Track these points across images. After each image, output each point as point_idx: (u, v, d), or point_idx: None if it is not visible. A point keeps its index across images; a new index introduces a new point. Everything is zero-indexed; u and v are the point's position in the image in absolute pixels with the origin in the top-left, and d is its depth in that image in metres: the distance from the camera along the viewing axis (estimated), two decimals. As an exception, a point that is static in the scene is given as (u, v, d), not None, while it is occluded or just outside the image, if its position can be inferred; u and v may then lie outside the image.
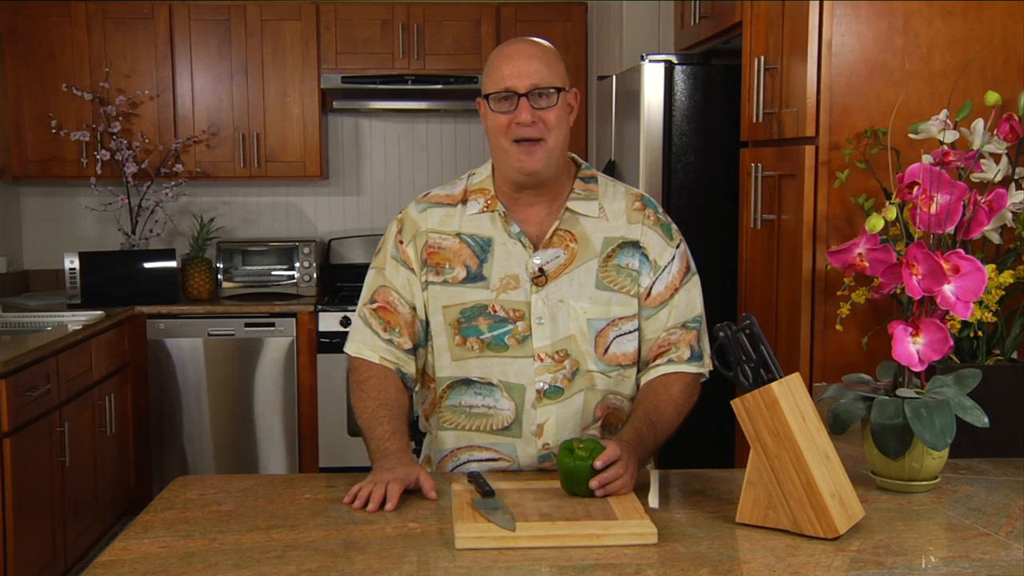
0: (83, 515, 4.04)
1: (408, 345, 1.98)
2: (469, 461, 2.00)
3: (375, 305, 1.99)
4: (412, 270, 1.98)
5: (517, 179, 1.93)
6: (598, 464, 1.71)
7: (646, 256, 1.97)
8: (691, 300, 2.01)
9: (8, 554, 3.37)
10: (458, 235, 1.97)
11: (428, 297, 1.97)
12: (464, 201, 1.99)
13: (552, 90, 1.87)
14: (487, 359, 1.94)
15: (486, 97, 1.90)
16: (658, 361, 1.98)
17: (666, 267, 1.98)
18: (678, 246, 2.01)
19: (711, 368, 2.00)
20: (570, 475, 1.72)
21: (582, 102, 5.09)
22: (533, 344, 1.93)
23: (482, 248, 1.96)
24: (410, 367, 1.99)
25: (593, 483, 1.70)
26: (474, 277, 1.95)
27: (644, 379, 1.99)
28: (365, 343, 1.99)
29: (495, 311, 1.94)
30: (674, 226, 2.04)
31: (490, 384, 1.95)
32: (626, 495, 1.72)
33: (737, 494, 1.68)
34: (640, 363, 2.01)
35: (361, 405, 1.94)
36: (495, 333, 1.94)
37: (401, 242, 2.00)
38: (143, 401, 4.78)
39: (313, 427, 4.87)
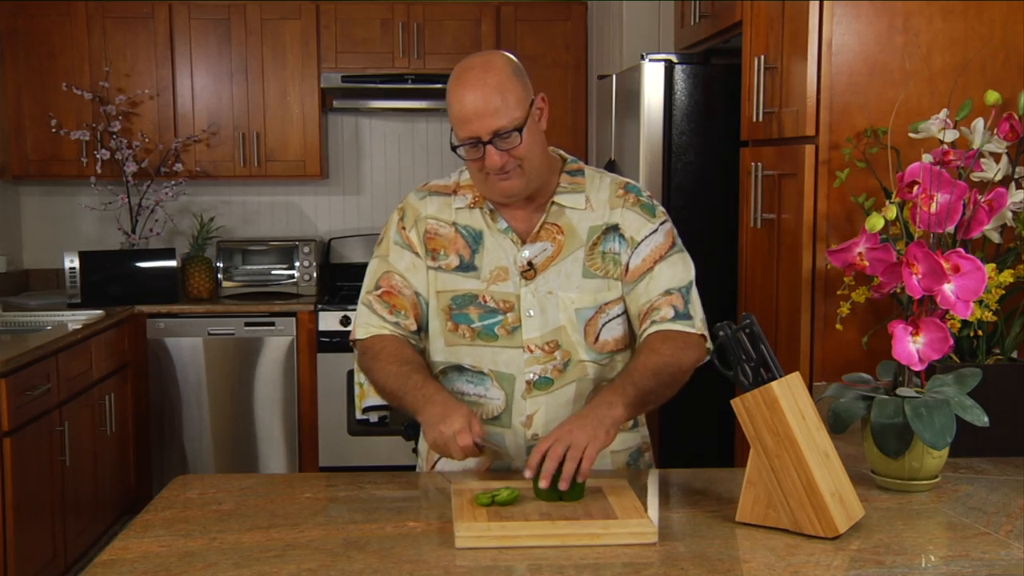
0: (83, 514, 4.04)
1: (414, 327, 2.00)
2: None
3: (379, 291, 2.01)
4: (416, 254, 2.00)
5: (499, 200, 1.95)
6: (527, 474, 1.70)
7: (623, 236, 1.98)
8: (676, 273, 1.96)
9: (8, 553, 3.37)
10: (453, 224, 1.99)
11: (428, 280, 1.99)
12: (456, 192, 2.01)
13: (515, 132, 1.85)
14: (478, 348, 1.96)
15: (454, 149, 1.89)
16: (643, 327, 1.95)
17: (643, 241, 1.97)
18: (662, 223, 1.99)
19: (704, 333, 1.95)
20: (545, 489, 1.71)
21: (582, 101, 5.10)
22: (523, 335, 1.94)
23: (474, 239, 1.98)
24: (419, 343, 2.02)
25: (535, 476, 1.69)
26: (466, 267, 1.97)
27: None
28: (372, 325, 1.99)
29: (485, 301, 1.96)
30: (660, 208, 2.02)
31: (481, 373, 1.97)
32: (626, 493, 1.72)
33: (737, 493, 1.68)
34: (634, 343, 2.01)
35: (383, 373, 1.92)
36: (485, 323, 1.95)
37: (404, 228, 2.02)
38: (143, 401, 4.78)
39: (313, 426, 4.87)
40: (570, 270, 1.95)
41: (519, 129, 1.85)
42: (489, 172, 1.88)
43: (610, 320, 1.97)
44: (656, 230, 1.98)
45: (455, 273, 1.97)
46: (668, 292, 1.95)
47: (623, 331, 1.99)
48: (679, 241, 2.01)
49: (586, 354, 1.96)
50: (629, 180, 2.06)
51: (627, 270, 1.97)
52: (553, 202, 1.97)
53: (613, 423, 1.75)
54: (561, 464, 1.68)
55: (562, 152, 2.04)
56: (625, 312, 1.99)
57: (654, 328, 1.93)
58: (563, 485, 1.67)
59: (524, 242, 1.96)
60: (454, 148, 1.89)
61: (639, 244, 1.97)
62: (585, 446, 1.69)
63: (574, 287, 1.95)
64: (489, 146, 1.84)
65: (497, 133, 1.84)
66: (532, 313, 1.94)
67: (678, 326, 1.92)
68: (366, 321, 2.00)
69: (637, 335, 1.98)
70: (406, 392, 1.87)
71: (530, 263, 1.95)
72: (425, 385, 1.86)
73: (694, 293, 1.98)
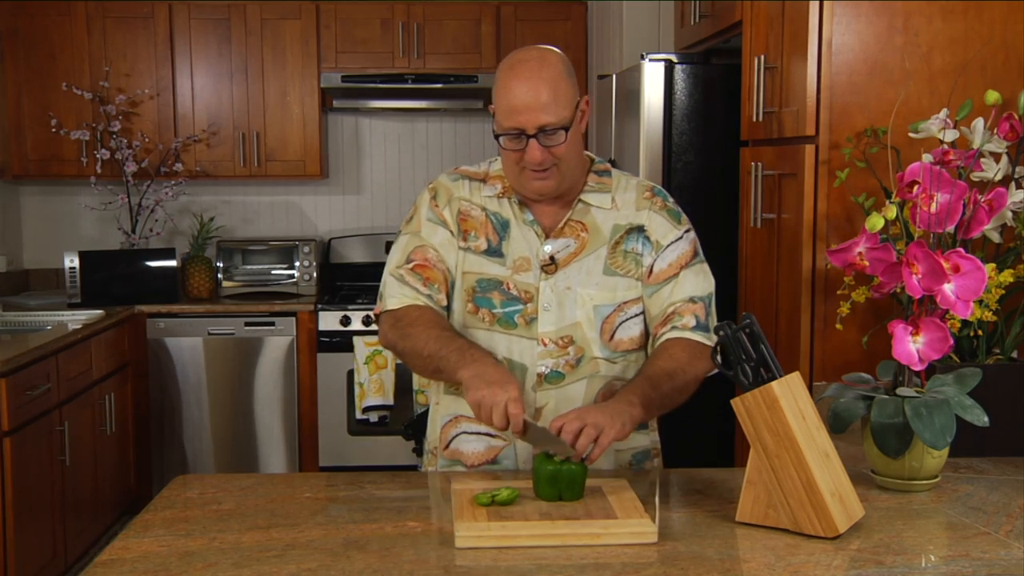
0: (83, 514, 4.05)
1: (444, 302, 1.99)
2: (463, 433, 2.01)
3: (411, 264, 1.98)
4: (451, 231, 1.99)
5: (530, 196, 1.96)
6: (553, 425, 1.70)
7: (648, 238, 1.99)
8: (699, 282, 1.99)
9: (8, 553, 3.37)
10: (484, 209, 2.00)
11: (457, 260, 1.99)
12: (485, 180, 2.02)
13: (561, 130, 1.85)
14: (495, 334, 1.96)
15: (497, 137, 1.89)
16: (662, 330, 1.96)
17: (669, 246, 1.98)
18: (687, 231, 2.02)
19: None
20: (551, 477, 1.69)
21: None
22: (538, 328, 1.95)
23: (502, 227, 1.99)
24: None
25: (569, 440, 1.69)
26: (493, 251, 1.98)
27: (650, 350, 1.99)
28: (407, 295, 1.96)
29: (509, 288, 1.96)
30: (684, 215, 2.05)
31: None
32: (626, 493, 1.71)
33: (737, 493, 1.68)
34: (648, 342, 2.02)
35: (423, 337, 1.88)
36: (506, 310, 1.96)
37: (437, 206, 2.01)
38: (143, 400, 4.78)
39: (313, 426, 4.87)
40: (591, 267, 1.96)
41: (565, 128, 1.86)
42: (525, 167, 1.88)
43: (627, 319, 1.98)
44: (681, 237, 2.00)
45: (483, 256, 1.98)
46: (692, 300, 1.97)
47: (639, 332, 2.00)
48: (701, 252, 2.04)
49: (600, 351, 1.97)
50: (656, 184, 2.08)
51: (651, 272, 1.98)
52: (580, 200, 1.98)
53: (631, 419, 1.76)
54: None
55: (589, 153, 2.05)
56: (642, 313, 2.00)
57: (674, 334, 1.95)
58: (576, 458, 1.67)
59: (548, 236, 1.97)
60: (496, 137, 1.89)
61: (664, 249, 1.98)
62: (601, 431, 1.69)
63: (594, 284, 1.96)
64: (532, 140, 1.85)
65: (543, 129, 1.84)
66: (548, 307, 1.95)
67: (697, 336, 1.94)
68: (398, 292, 1.97)
69: (652, 337, 1.99)
70: (449, 352, 1.83)
71: (552, 258, 1.96)
72: (472, 347, 1.85)
73: (714, 305, 2.01)
